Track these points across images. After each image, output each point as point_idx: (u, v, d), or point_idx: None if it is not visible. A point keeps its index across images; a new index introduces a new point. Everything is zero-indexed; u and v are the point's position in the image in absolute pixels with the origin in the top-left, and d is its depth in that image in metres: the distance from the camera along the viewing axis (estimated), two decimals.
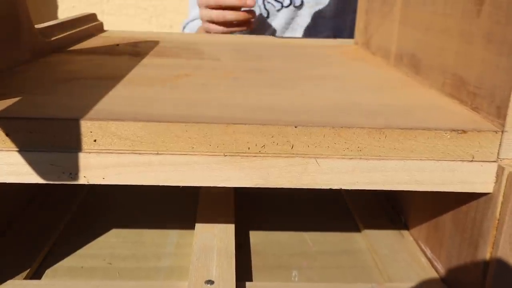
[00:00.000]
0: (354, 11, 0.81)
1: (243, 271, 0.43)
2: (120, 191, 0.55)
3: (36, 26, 0.56)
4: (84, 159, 0.33)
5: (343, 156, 0.34)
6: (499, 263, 0.34)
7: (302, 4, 1.03)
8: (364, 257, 0.47)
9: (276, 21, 1.05)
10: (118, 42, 0.67)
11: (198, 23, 1.05)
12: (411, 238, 0.49)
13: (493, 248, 0.35)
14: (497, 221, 0.34)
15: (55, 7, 1.07)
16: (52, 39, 0.58)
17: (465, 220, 0.38)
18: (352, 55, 0.66)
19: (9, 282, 0.39)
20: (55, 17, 1.04)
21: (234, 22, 0.90)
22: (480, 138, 0.34)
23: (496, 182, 0.34)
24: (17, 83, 0.42)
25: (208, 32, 0.93)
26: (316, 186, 0.34)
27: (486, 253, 0.35)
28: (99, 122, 0.32)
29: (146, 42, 0.68)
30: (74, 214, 0.53)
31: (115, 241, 0.48)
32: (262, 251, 0.47)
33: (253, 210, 0.55)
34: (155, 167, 0.33)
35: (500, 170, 0.34)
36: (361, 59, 0.63)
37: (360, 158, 0.34)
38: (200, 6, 0.92)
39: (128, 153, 0.33)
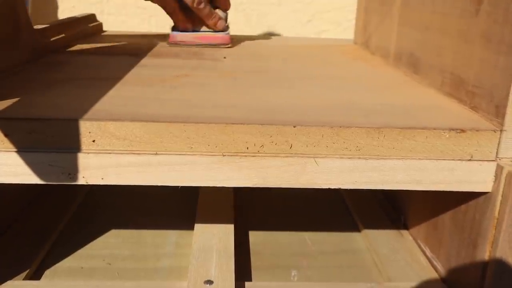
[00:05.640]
0: None
1: (242, 271, 0.43)
2: (119, 191, 0.55)
3: (36, 26, 0.56)
4: (83, 159, 0.33)
5: (342, 156, 0.34)
6: (498, 262, 0.34)
7: None
8: (363, 257, 0.47)
9: None
10: (117, 42, 0.67)
11: None
12: (410, 238, 0.49)
13: (492, 247, 0.35)
14: (496, 220, 0.34)
15: (55, 7, 1.07)
16: (52, 39, 0.58)
17: (464, 219, 0.38)
18: (351, 54, 0.66)
19: (9, 282, 0.39)
20: (55, 17, 1.04)
21: None
22: (479, 137, 0.34)
23: (495, 181, 0.34)
24: (16, 83, 0.42)
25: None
26: (314, 185, 0.34)
27: (485, 252, 0.35)
28: (97, 122, 0.32)
29: (145, 42, 0.68)
30: (74, 214, 0.53)
31: (115, 242, 0.48)
32: (261, 251, 0.47)
33: (252, 210, 0.55)
34: (154, 167, 0.33)
35: (499, 169, 0.34)
36: (360, 59, 0.62)
37: (359, 158, 0.34)
38: None
39: (127, 153, 0.33)
